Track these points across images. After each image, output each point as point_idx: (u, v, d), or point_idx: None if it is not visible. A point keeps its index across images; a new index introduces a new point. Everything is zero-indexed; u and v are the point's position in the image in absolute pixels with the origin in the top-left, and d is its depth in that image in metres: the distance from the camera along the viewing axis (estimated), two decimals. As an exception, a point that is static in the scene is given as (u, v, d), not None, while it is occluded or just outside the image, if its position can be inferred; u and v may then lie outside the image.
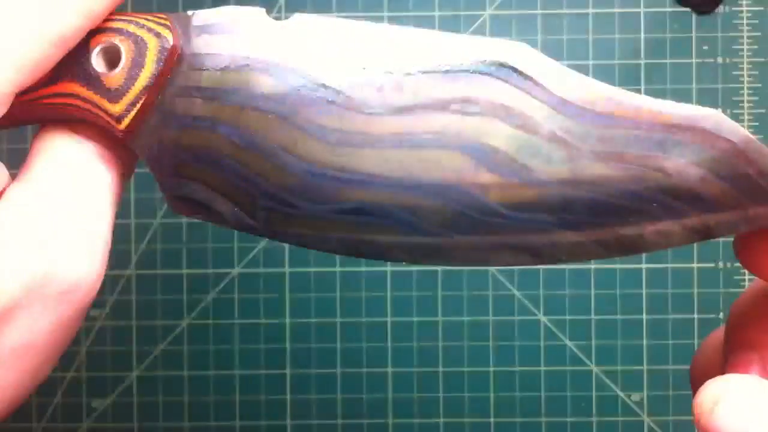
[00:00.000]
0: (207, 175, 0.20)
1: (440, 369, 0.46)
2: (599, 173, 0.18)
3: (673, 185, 0.18)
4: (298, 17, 0.21)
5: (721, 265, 0.46)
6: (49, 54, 0.18)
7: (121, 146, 0.21)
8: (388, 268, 0.46)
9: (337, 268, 0.46)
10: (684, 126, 0.19)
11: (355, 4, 0.47)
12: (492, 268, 0.46)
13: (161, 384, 0.46)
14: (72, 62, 0.19)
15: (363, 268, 0.46)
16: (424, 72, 0.19)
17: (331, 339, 0.46)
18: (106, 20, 0.20)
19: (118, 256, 0.45)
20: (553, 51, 0.46)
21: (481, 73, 0.19)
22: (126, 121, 0.20)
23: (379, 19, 0.47)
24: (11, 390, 0.18)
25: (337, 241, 0.20)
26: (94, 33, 0.19)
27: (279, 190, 0.20)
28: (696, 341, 0.46)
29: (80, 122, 0.20)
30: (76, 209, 0.19)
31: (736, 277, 0.46)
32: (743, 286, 0.46)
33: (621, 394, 0.46)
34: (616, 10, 0.47)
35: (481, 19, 0.47)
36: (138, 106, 0.20)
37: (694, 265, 0.46)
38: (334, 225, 0.20)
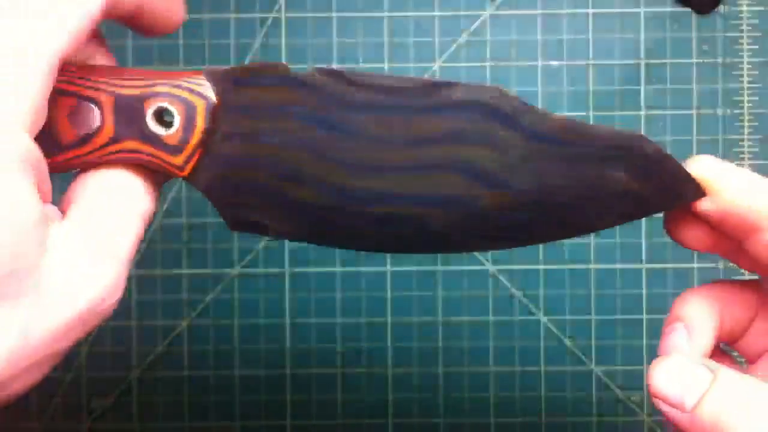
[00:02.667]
0: (256, 201, 0.25)
1: (440, 369, 0.46)
2: (560, 183, 0.25)
3: (609, 186, 0.25)
4: (314, 71, 0.25)
5: (720, 265, 0.46)
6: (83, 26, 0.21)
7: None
8: (388, 268, 0.46)
9: (337, 268, 0.46)
10: (616, 145, 0.25)
11: (355, 4, 0.47)
12: (492, 268, 0.46)
13: (161, 384, 0.46)
14: (130, 124, 0.24)
15: (363, 268, 0.46)
16: (427, 111, 0.25)
17: (331, 339, 0.46)
18: (153, 85, 0.24)
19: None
20: (553, 51, 0.47)
21: (470, 112, 0.25)
22: (187, 168, 0.24)
23: (379, 19, 0.47)
24: (33, 382, 0.21)
25: (367, 243, 0.26)
26: (144, 98, 0.24)
27: (316, 208, 0.25)
28: (696, 341, 0.46)
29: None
30: (109, 234, 0.23)
31: (735, 277, 0.46)
32: (743, 286, 0.46)
33: (621, 394, 0.46)
34: (616, 10, 0.47)
35: (481, 19, 0.47)
36: (195, 156, 0.24)
37: (694, 265, 0.46)
38: (363, 232, 0.25)
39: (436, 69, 0.46)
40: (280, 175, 0.24)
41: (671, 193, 0.25)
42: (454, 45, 0.47)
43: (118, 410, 0.46)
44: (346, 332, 0.46)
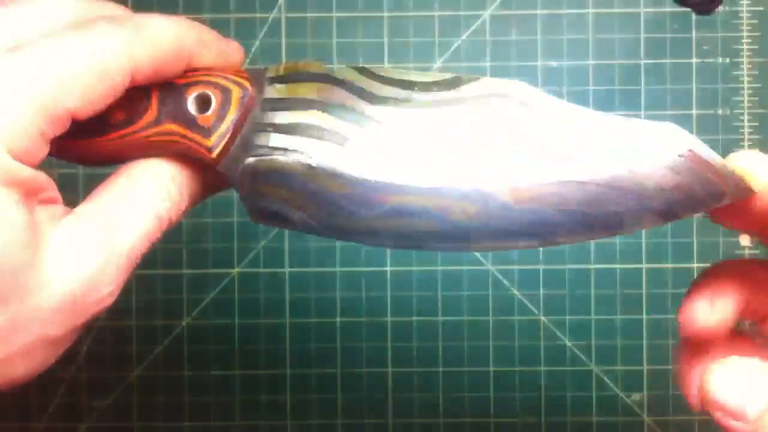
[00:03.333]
0: (280, 191, 0.26)
1: (440, 369, 0.46)
2: (587, 176, 0.24)
3: (642, 181, 0.24)
4: (345, 68, 0.26)
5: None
6: (95, 85, 0.22)
7: (201, 177, 0.26)
8: (388, 268, 0.46)
9: (337, 268, 0.46)
10: (650, 138, 0.24)
11: (355, 4, 0.47)
12: (492, 268, 0.46)
13: (161, 384, 0.46)
14: (172, 108, 0.25)
15: (363, 269, 0.46)
16: (449, 103, 0.25)
17: (331, 339, 0.46)
18: (199, 76, 0.25)
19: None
20: (553, 51, 0.47)
21: (493, 104, 0.25)
22: (216, 150, 0.25)
23: (379, 19, 0.47)
24: (32, 368, 0.23)
25: (385, 236, 0.25)
26: (189, 85, 0.25)
27: (339, 198, 0.25)
28: (696, 341, 0.46)
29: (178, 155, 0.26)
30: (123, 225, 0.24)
31: (736, 277, 0.46)
32: (743, 286, 0.46)
33: (621, 394, 0.46)
34: (616, 10, 0.47)
35: (481, 19, 0.47)
36: (226, 139, 0.25)
37: (694, 265, 0.46)
38: (382, 223, 0.25)
39: (436, 69, 0.46)
40: (307, 164, 0.25)
41: (712, 190, 0.24)
42: (454, 45, 0.47)
43: (118, 410, 0.46)
44: (345, 332, 0.46)
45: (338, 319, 0.46)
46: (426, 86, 0.26)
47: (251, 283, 0.46)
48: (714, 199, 0.24)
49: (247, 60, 0.46)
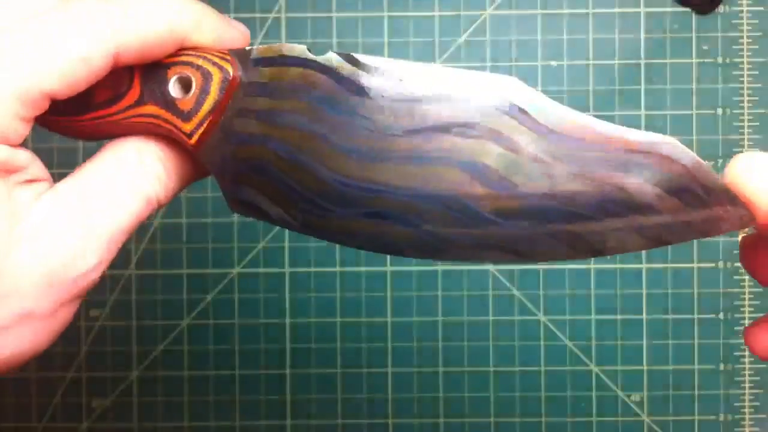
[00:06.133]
0: (258, 182, 0.25)
1: (440, 369, 0.46)
2: (572, 188, 0.23)
3: (632, 200, 0.22)
4: (332, 55, 0.25)
5: (721, 265, 0.46)
6: (74, 67, 0.22)
7: (190, 159, 0.25)
8: (388, 268, 0.46)
9: (337, 268, 0.46)
10: (644, 150, 0.22)
11: (355, 4, 0.47)
12: (492, 268, 0.46)
13: (161, 384, 0.46)
14: (154, 89, 0.24)
15: (363, 268, 0.46)
16: (431, 100, 0.24)
17: (331, 339, 0.46)
18: (181, 55, 0.24)
19: (118, 256, 0.45)
20: (553, 51, 0.47)
21: (479, 103, 0.24)
22: (195, 137, 0.24)
23: (379, 19, 0.47)
24: (19, 348, 0.23)
25: (361, 239, 0.24)
26: (171, 65, 0.24)
27: (314, 195, 0.24)
28: (696, 341, 0.46)
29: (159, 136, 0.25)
30: (106, 199, 0.23)
31: (736, 277, 0.46)
32: (743, 286, 0.46)
33: (621, 394, 0.46)
34: (616, 10, 0.47)
35: (481, 19, 0.47)
36: (205, 125, 0.24)
37: (694, 265, 0.46)
38: (359, 225, 0.24)
39: (436, 69, 0.46)
40: (286, 156, 0.24)
41: (713, 215, 0.22)
42: (454, 45, 0.47)
43: (118, 410, 0.46)
44: (346, 332, 0.46)
45: (338, 319, 0.46)
46: (414, 78, 0.24)
47: (251, 283, 0.46)
48: (710, 226, 0.22)
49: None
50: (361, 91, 0.24)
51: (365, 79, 0.25)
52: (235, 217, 0.46)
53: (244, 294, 0.46)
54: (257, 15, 0.47)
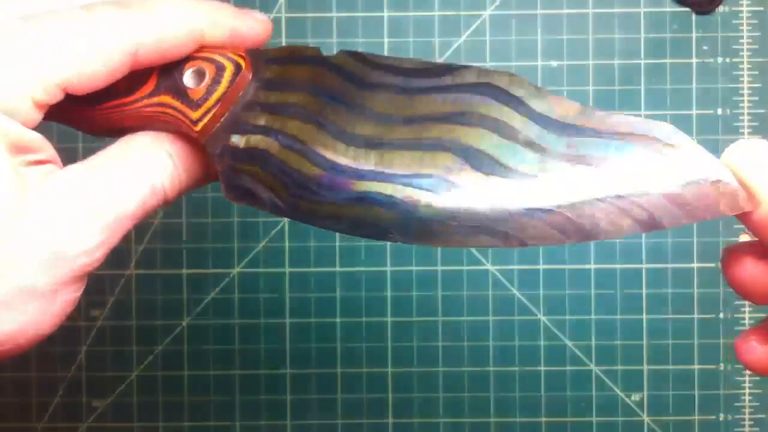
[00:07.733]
0: (256, 169, 0.25)
1: (440, 369, 0.46)
2: (563, 172, 0.23)
3: (623, 182, 0.22)
4: (342, 53, 0.26)
5: (720, 265, 0.46)
6: (93, 66, 0.23)
7: (200, 157, 0.26)
8: (388, 268, 0.46)
9: (337, 268, 0.46)
10: (638, 135, 0.22)
11: (355, 4, 0.47)
12: (492, 268, 0.46)
13: (161, 384, 0.46)
14: (171, 80, 0.25)
15: (363, 268, 0.46)
16: (435, 91, 0.25)
17: (331, 339, 0.46)
18: (201, 51, 0.26)
19: (118, 256, 0.45)
20: (553, 51, 0.47)
21: (477, 92, 0.25)
22: (200, 124, 0.25)
23: (379, 19, 0.47)
24: (22, 327, 0.23)
25: (347, 222, 0.25)
26: (189, 59, 0.26)
27: (308, 180, 0.25)
28: (696, 341, 0.46)
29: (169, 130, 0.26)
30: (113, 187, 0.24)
31: (736, 277, 0.46)
32: (743, 286, 0.46)
33: (621, 394, 0.46)
34: (616, 10, 0.47)
35: (481, 19, 0.47)
36: (211, 114, 0.25)
37: (694, 265, 0.46)
38: (347, 209, 0.24)
39: (436, 69, 0.46)
40: (286, 145, 0.25)
41: (705, 200, 0.22)
42: (454, 45, 0.47)
43: (118, 410, 0.46)
44: (346, 332, 0.46)
45: (338, 319, 0.46)
46: (418, 73, 0.25)
47: (251, 283, 0.46)
48: (703, 207, 0.22)
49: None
50: (366, 85, 0.25)
51: (371, 75, 0.26)
52: (235, 217, 0.46)
53: (244, 294, 0.46)
54: (257, 15, 0.47)
